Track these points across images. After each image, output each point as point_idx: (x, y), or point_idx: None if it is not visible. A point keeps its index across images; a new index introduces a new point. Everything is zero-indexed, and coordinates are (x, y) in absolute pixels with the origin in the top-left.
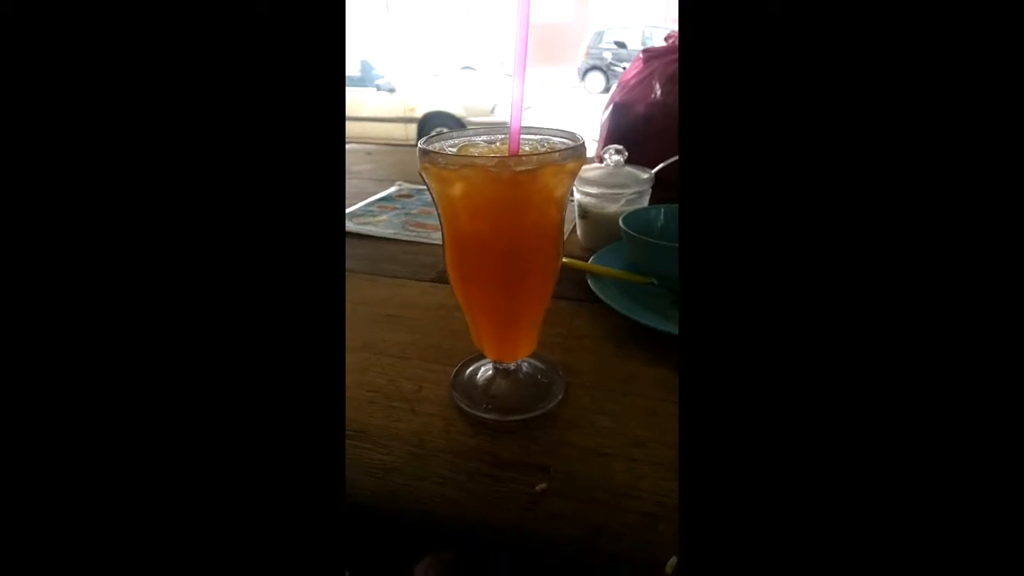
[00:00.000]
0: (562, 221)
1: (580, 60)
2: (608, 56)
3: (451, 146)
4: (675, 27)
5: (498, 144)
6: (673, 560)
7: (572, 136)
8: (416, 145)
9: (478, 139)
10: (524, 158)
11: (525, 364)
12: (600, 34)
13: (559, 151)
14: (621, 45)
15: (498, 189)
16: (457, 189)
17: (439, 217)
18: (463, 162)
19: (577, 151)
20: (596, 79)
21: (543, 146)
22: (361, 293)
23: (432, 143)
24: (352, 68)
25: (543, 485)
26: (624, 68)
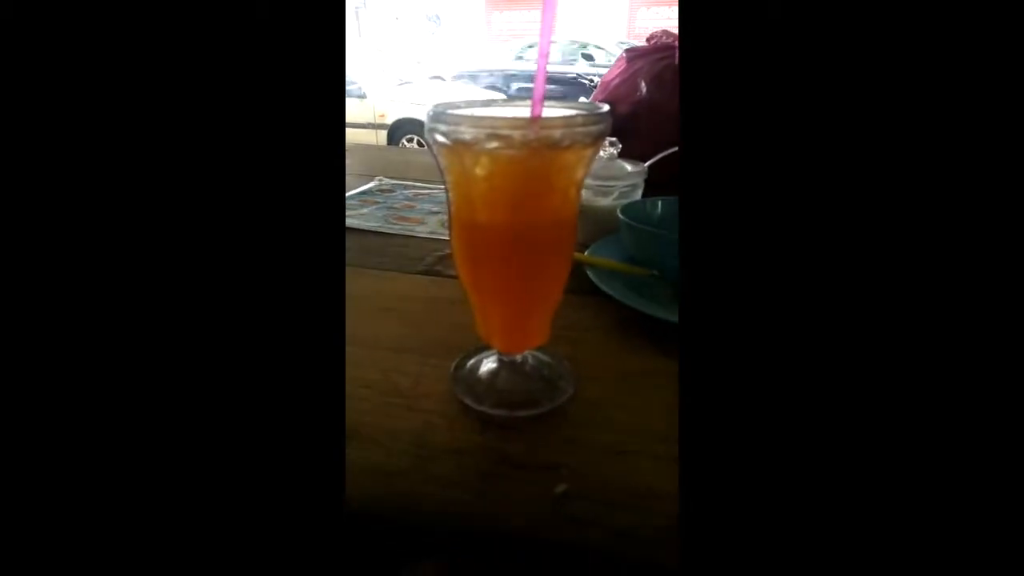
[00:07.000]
0: (579, 200)
1: None
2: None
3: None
4: (637, 43)
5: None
6: None
7: (595, 107)
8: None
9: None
10: (549, 122)
11: (531, 357)
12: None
13: (585, 115)
14: (588, 58)
15: (522, 159)
16: (472, 159)
17: (446, 193)
18: (485, 127)
19: (603, 119)
20: None
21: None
22: (349, 286)
23: (444, 108)
24: None
25: (563, 487)
26: (591, 79)
